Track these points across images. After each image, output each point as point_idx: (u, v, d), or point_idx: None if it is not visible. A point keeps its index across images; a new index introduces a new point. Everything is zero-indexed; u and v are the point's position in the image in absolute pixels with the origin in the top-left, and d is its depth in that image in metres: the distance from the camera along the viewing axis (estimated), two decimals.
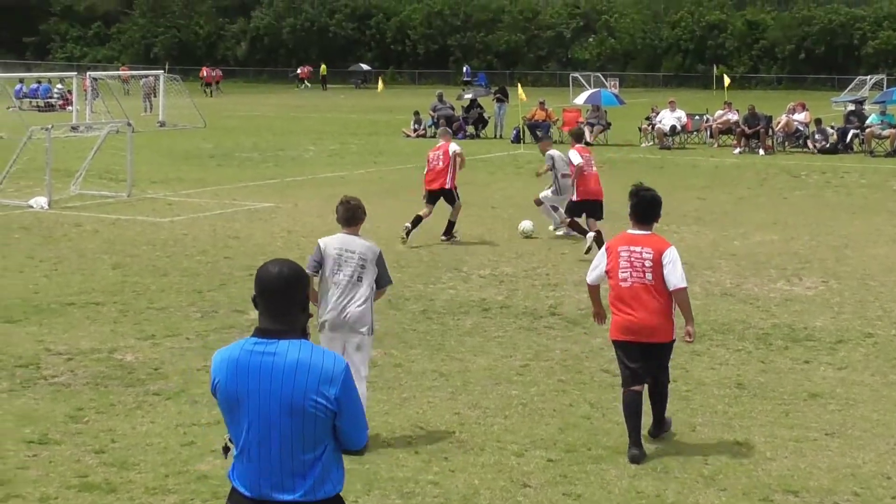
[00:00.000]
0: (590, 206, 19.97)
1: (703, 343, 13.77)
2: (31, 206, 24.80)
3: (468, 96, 49.17)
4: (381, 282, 10.41)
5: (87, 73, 54.33)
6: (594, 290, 10.50)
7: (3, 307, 15.56)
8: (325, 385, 5.28)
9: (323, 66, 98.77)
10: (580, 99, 46.53)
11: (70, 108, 53.28)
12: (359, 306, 10.22)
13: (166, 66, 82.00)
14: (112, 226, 22.83)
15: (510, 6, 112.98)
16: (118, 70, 57.29)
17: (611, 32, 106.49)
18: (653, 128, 42.34)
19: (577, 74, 78.56)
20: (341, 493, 5.50)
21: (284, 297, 5.38)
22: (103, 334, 14.14)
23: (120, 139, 30.38)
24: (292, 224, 22.91)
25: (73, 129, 35.28)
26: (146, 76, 63.27)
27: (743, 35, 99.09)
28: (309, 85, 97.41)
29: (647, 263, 9.89)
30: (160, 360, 12.96)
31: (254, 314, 14.72)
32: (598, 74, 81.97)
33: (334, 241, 10.37)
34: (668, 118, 41.69)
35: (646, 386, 10.16)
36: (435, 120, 46.82)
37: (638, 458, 9.82)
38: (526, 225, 21.67)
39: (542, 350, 13.52)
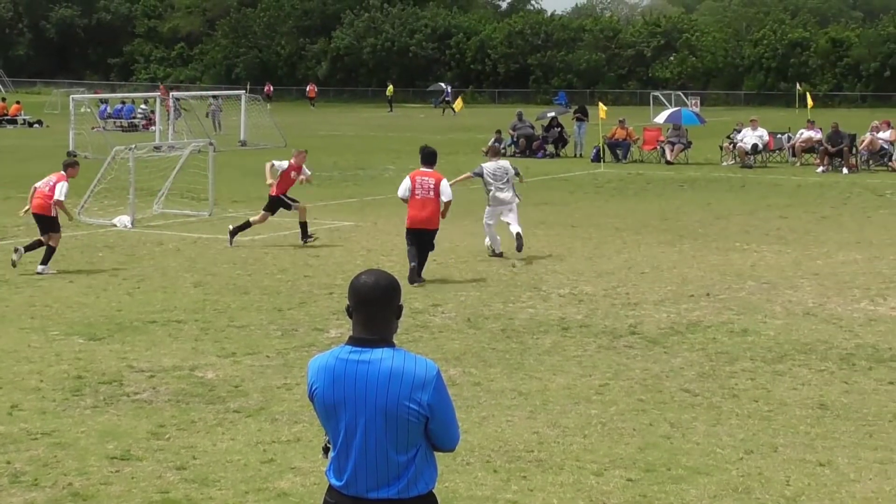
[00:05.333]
0: (281, 203, 22.91)
1: (784, 363, 13.61)
2: (115, 225, 25.11)
3: (549, 115, 49.14)
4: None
5: (171, 93, 55.00)
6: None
7: (88, 325, 15.77)
8: (418, 391, 5.41)
9: (389, 87, 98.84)
10: (660, 118, 46.23)
11: (153, 128, 53.99)
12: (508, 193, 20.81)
13: (247, 86, 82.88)
14: (194, 244, 23.06)
15: (591, 25, 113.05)
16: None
17: (692, 51, 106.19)
18: (734, 146, 42.05)
19: (657, 93, 78.46)
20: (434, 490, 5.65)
21: (380, 306, 5.49)
22: (185, 352, 14.26)
23: (202, 159, 30.71)
24: (372, 242, 22.99)
25: (156, 148, 35.60)
26: (214, 97, 64.13)
27: (826, 52, 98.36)
28: None
29: None
30: (241, 378, 13.04)
31: (334, 333, 14.91)
32: (679, 93, 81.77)
33: (491, 166, 20.82)
34: (750, 136, 41.38)
35: None
36: (515, 139, 46.87)
37: None
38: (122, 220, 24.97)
39: (622, 369, 13.43)
